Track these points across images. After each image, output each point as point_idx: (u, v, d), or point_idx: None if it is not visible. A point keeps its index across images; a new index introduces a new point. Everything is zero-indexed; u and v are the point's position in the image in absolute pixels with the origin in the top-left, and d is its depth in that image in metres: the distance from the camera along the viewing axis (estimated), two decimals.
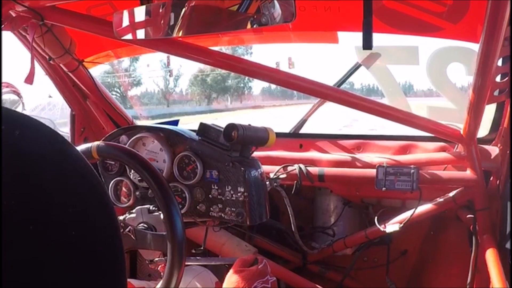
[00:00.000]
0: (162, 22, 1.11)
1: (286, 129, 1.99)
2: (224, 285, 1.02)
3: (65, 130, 1.91)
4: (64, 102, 1.83)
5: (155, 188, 0.97)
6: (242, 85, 40.08)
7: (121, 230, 1.05)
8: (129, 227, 1.07)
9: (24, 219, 0.35)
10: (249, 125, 1.19)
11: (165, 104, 37.40)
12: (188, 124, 1.95)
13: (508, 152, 1.51)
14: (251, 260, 1.07)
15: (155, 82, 38.84)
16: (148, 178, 0.98)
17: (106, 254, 0.41)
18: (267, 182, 1.30)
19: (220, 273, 1.30)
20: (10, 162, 0.35)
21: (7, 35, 1.32)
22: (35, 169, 0.37)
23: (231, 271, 1.04)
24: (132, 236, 1.06)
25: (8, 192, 0.34)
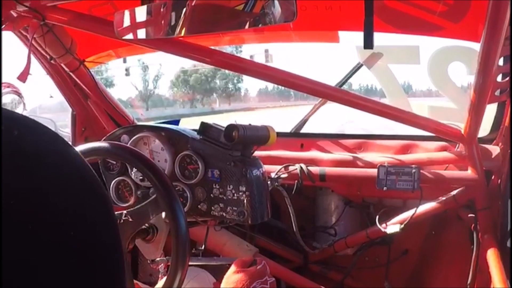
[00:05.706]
0: (163, 22, 1.11)
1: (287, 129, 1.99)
2: (222, 285, 1.02)
3: (65, 130, 1.91)
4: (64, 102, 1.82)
5: (159, 187, 0.97)
6: (231, 86, 39.32)
7: (118, 221, 1.01)
8: (123, 212, 1.02)
9: (23, 219, 0.35)
10: (249, 124, 1.19)
11: (162, 105, 37.03)
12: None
13: (509, 151, 1.51)
14: (250, 261, 1.07)
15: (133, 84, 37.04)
16: (152, 178, 0.97)
17: (106, 254, 0.41)
18: (268, 182, 1.30)
19: (221, 273, 1.30)
20: (9, 162, 0.35)
21: (7, 35, 1.32)
22: (33, 169, 0.37)
23: (229, 271, 1.03)
24: (129, 219, 1.03)
25: (7, 192, 0.34)
